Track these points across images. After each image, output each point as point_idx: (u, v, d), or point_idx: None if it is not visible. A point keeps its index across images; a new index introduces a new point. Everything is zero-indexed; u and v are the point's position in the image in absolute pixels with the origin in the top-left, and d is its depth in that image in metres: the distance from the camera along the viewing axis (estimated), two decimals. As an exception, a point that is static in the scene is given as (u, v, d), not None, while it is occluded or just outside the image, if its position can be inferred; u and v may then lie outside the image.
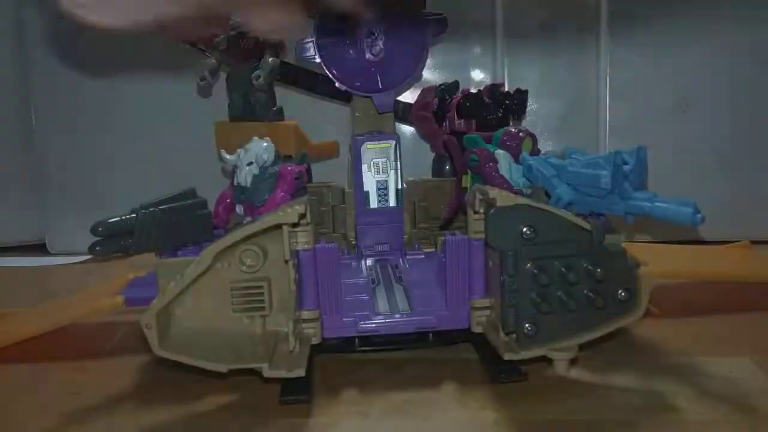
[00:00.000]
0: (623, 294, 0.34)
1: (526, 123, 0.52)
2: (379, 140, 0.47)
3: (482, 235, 0.36)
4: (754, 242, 0.56)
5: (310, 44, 0.46)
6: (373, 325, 0.38)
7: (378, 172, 0.47)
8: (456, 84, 0.54)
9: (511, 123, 0.50)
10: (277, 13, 0.23)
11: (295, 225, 0.34)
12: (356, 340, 0.39)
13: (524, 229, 0.34)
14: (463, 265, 0.37)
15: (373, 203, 0.47)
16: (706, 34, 0.65)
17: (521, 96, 0.51)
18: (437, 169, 0.56)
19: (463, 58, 0.67)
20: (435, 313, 0.38)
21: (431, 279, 0.42)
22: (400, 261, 0.46)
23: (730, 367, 0.37)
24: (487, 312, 0.38)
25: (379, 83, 0.47)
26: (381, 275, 0.43)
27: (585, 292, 0.34)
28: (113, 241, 0.37)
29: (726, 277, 0.48)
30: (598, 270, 0.33)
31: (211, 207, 0.42)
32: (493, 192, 0.34)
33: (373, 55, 0.46)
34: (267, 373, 0.33)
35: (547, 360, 0.35)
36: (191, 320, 0.35)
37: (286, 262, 0.34)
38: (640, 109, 0.66)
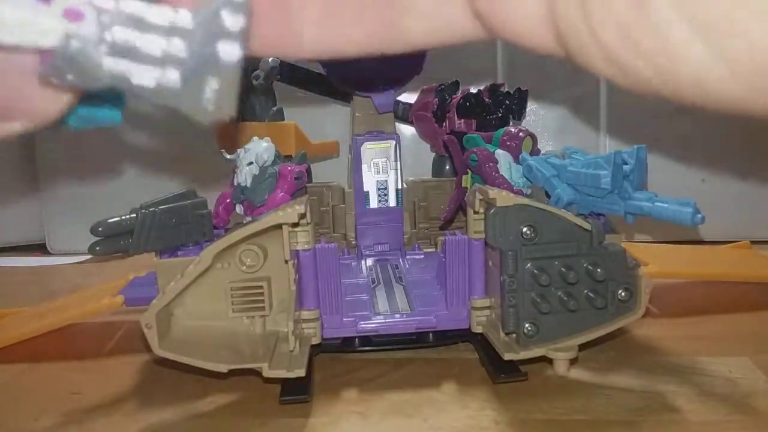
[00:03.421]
0: (623, 294, 0.34)
1: (526, 123, 0.52)
2: (379, 140, 0.47)
3: (482, 235, 0.36)
4: (754, 242, 0.56)
5: (310, 44, 0.46)
6: (373, 325, 0.38)
7: (378, 172, 0.47)
8: (456, 84, 0.54)
9: (511, 123, 0.50)
10: None
11: (295, 225, 0.34)
12: (356, 340, 0.39)
13: (524, 229, 0.34)
14: (463, 265, 0.37)
15: (373, 203, 0.47)
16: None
17: (521, 96, 0.51)
18: (437, 169, 0.56)
19: (464, 58, 0.67)
20: (435, 313, 0.38)
21: (431, 279, 0.42)
22: (400, 261, 0.46)
23: (730, 367, 0.37)
24: (487, 312, 0.38)
25: (379, 83, 0.47)
26: (381, 275, 0.43)
27: (585, 292, 0.34)
28: (113, 241, 0.37)
29: (726, 277, 0.48)
30: (598, 270, 0.33)
31: (211, 207, 0.42)
32: (493, 192, 0.34)
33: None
34: (267, 373, 0.33)
35: (547, 360, 0.35)
36: (191, 320, 0.35)
37: (286, 262, 0.34)
38: (640, 109, 0.66)
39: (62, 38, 0.16)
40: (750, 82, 0.15)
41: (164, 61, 0.17)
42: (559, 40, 0.18)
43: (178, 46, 0.17)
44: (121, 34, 0.16)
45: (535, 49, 0.19)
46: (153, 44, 0.17)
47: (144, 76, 0.17)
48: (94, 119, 0.20)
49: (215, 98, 0.17)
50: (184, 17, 0.17)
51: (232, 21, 0.17)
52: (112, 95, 0.20)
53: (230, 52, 0.17)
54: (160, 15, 0.17)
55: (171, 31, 0.17)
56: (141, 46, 0.17)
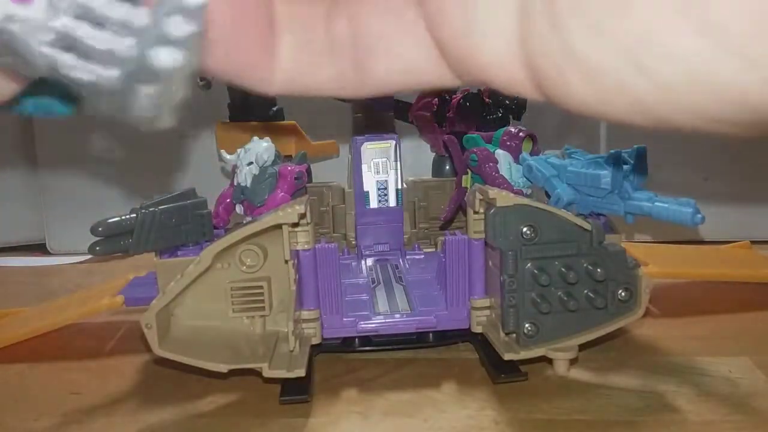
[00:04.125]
0: (623, 294, 0.34)
1: (526, 123, 0.52)
2: (379, 140, 0.47)
3: (482, 235, 0.36)
4: (754, 242, 0.56)
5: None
6: (373, 325, 0.38)
7: (378, 172, 0.47)
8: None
9: (511, 123, 0.50)
10: None
11: (295, 225, 0.34)
12: (356, 340, 0.39)
13: (524, 229, 0.34)
14: (463, 265, 0.37)
15: (373, 203, 0.47)
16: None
17: (521, 96, 0.51)
18: (437, 169, 0.56)
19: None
20: (435, 313, 0.38)
21: (431, 279, 0.42)
22: (400, 261, 0.46)
23: (730, 367, 0.37)
24: (487, 312, 0.38)
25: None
26: (381, 275, 0.43)
27: (585, 292, 0.34)
28: (113, 241, 0.37)
29: (726, 277, 0.48)
30: (598, 270, 0.33)
31: (211, 207, 0.42)
32: (493, 192, 0.34)
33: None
34: (267, 373, 0.33)
35: (547, 360, 0.35)
36: (191, 320, 0.35)
37: (286, 262, 0.34)
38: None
39: (2, 18, 0.15)
40: None
41: (106, 57, 0.16)
42: (531, 71, 0.16)
43: (125, 44, 0.16)
44: (69, 23, 0.15)
45: (505, 87, 0.17)
46: (99, 39, 0.15)
47: (83, 71, 0.16)
48: (46, 110, 0.20)
49: (149, 105, 0.16)
50: (140, 15, 0.16)
51: (178, 27, 0.15)
52: (63, 90, 0.19)
53: (167, 59, 0.15)
54: (116, 8, 0.16)
55: (123, 26, 0.16)
56: (86, 39, 0.15)
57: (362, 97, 0.20)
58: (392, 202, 0.47)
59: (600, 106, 0.15)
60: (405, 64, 0.19)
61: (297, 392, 0.34)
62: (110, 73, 0.16)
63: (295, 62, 0.20)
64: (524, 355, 0.34)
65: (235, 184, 0.43)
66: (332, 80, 0.20)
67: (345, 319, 0.38)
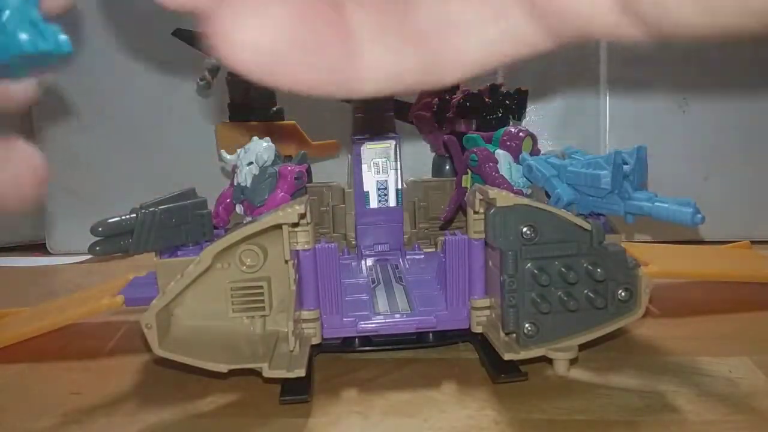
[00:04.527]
0: (623, 294, 0.34)
1: (526, 123, 0.52)
2: (379, 140, 0.47)
3: (482, 235, 0.36)
4: (754, 242, 0.56)
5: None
6: (373, 325, 0.38)
7: (378, 172, 0.47)
8: (456, 84, 0.54)
9: (511, 123, 0.50)
10: None
11: (295, 225, 0.34)
12: (356, 340, 0.39)
13: (524, 229, 0.34)
14: (463, 265, 0.37)
15: (373, 203, 0.47)
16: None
17: (521, 96, 0.51)
18: (437, 169, 0.56)
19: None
20: (435, 313, 0.38)
21: (431, 279, 0.42)
22: (400, 261, 0.46)
23: (730, 367, 0.37)
24: (487, 312, 0.38)
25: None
26: (381, 275, 0.43)
27: (585, 292, 0.34)
28: (113, 241, 0.37)
29: (726, 277, 0.48)
30: (598, 270, 0.33)
31: (211, 207, 0.42)
32: (493, 192, 0.34)
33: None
34: (267, 373, 0.33)
35: (547, 360, 0.35)
36: (191, 320, 0.35)
37: (286, 262, 0.34)
38: (640, 109, 0.66)
39: None
40: None
41: None
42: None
43: None
44: None
45: (607, 30, 0.16)
46: None
47: None
48: None
49: None
50: None
51: None
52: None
53: None
54: None
55: None
56: None
57: (447, 86, 0.19)
58: (392, 202, 0.47)
59: (709, 18, 0.14)
60: (494, 35, 0.18)
61: (297, 392, 0.34)
62: None
63: (380, 63, 0.19)
64: (524, 355, 0.34)
65: (235, 184, 0.43)
66: (418, 72, 0.19)
67: (345, 319, 0.38)
